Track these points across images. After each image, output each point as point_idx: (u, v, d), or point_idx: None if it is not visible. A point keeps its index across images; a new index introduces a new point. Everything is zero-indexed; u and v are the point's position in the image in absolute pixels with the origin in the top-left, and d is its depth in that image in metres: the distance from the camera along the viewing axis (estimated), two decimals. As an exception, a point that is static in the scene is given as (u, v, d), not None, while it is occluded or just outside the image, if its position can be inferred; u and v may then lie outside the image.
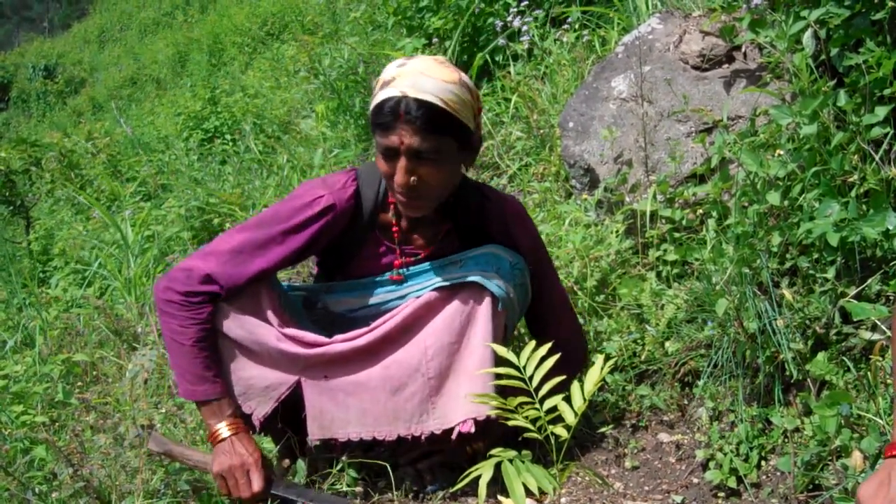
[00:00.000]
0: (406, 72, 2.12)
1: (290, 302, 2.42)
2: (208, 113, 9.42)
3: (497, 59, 5.30)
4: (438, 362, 2.26)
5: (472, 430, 2.25)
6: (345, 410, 2.29)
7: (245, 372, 2.30)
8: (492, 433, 2.30)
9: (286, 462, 2.42)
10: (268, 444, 2.51)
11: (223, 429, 2.20)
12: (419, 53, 5.48)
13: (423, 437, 2.30)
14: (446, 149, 2.15)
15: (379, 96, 2.12)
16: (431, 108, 2.09)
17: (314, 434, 2.31)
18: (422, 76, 2.10)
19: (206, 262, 2.23)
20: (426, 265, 2.37)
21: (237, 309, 2.27)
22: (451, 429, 2.27)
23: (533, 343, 1.98)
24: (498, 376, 1.96)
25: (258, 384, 2.29)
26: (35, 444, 3.15)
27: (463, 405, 2.24)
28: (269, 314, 2.28)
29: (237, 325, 2.27)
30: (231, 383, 2.30)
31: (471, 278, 2.26)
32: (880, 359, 2.15)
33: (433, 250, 2.40)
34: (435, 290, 2.29)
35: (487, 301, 2.26)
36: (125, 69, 20.34)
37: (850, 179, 2.38)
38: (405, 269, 2.39)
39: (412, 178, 2.13)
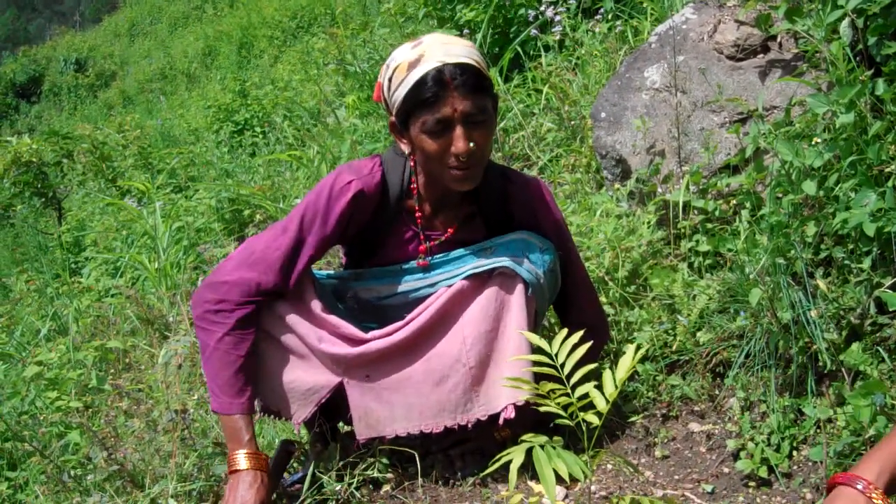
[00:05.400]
0: (429, 46, 2.13)
1: (325, 291, 2.43)
2: (238, 105, 9.48)
3: (528, 50, 5.29)
4: (478, 351, 2.26)
5: (513, 415, 2.24)
6: (390, 408, 2.30)
7: (286, 376, 2.30)
8: (524, 421, 2.30)
9: (318, 447, 2.44)
10: (301, 429, 2.53)
11: (241, 459, 2.15)
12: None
13: (469, 426, 2.30)
14: (489, 109, 2.16)
15: (412, 76, 2.11)
16: (472, 69, 2.11)
17: (361, 434, 2.31)
18: (448, 45, 2.13)
19: (255, 271, 2.21)
20: (456, 252, 2.37)
21: (281, 304, 2.28)
22: (497, 415, 2.27)
23: (565, 331, 1.98)
24: (535, 363, 1.96)
25: (299, 388, 2.30)
26: (70, 429, 3.19)
27: (505, 390, 2.25)
28: (312, 304, 2.29)
29: (280, 323, 2.28)
30: (273, 388, 2.31)
31: (502, 264, 2.26)
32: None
33: (456, 230, 2.39)
34: (466, 278, 2.29)
35: (520, 287, 2.26)
36: (155, 62, 20.49)
37: (888, 169, 2.35)
38: (430, 257, 2.39)
39: (471, 144, 2.12)
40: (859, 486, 1.44)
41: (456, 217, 2.39)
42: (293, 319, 2.27)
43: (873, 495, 1.43)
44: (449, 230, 2.38)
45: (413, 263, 2.39)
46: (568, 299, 2.53)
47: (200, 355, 2.27)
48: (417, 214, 2.36)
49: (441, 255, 2.38)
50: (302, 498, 2.23)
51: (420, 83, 2.10)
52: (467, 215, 2.40)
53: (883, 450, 1.49)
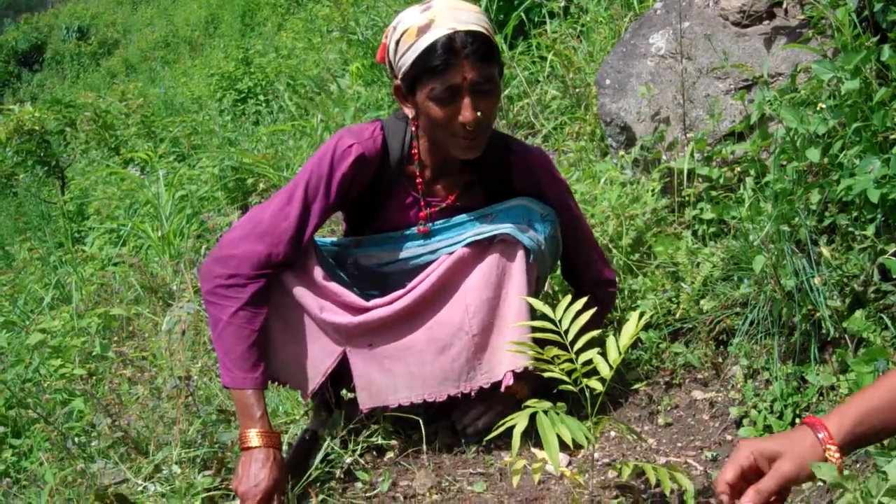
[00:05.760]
0: (439, 11, 2.11)
1: (325, 258, 2.42)
2: (241, 73, 9.45)
3: (533, 17, 5.25)
4: (480, 319, 2.26)
5: (511, 381, 2.27)
6: (392, 377, 2.30)
7: (293, 347, 2.30)
8: (530, 379, 2.32)
9: (322, 415, 2.44)
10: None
11: (253, 437, 2.12)
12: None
13: (472, 393, 2.31)
14: (496, 78, 2.16)
15: (422, 42, 2.09)
16: (483, 37, 2.11)
17: (364, 403, 2.31)
18: (458, 11, 2.11)
19: (264, 243, 2.20)
20: (457, 219, 2.37)
21: (286, 274, 2.28)
22: (499, 382, 2.29)
23: (569, 297, 1.98)
24: (536, 329, 1.96)
25: (306, 359, 2.30)
26: (73, 396, 3.20)
27: (507, 357, 2.26)
28: (314, 271, 2.28)
29: (285, 293, 2.27)
30: (280, 359, 2.31)
31: (503, 230, 2.26)
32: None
33: (456, 197, 2.39)
34: (467, 245, 2.29)
35: (521, 254, 2.27)
36: (158, 30, 20.41)
37: (892, 136, 2.34)
38: (431, 224, 2.38)
39: (478, 113, 2.12)
40: (820, 436, 1.43)
41: (456, 184, 2.39)
42: (298, 290, 2.27)
43: (829, 447, 1.42)
44: (450, 197, 2.38)
45: (414, 230, 2.38)
46: (575, 265, 2.54)
47: (211, 330, 2.24)
48: (418, 180, 2.35)
49: (441, 221, 2.37)
50: (310, 472, 2.24)
51: (430, 49, 2.08)
52: (468, 183, 2.40)
53: (852, 405, 1.46)
